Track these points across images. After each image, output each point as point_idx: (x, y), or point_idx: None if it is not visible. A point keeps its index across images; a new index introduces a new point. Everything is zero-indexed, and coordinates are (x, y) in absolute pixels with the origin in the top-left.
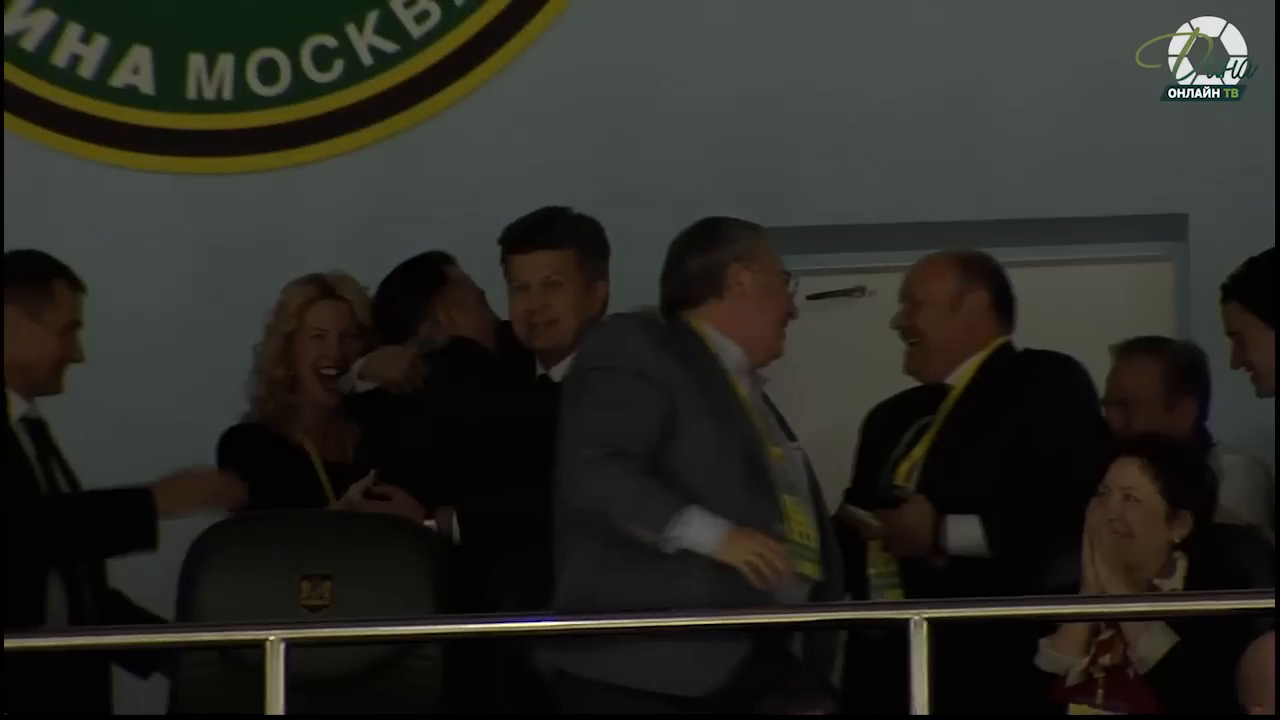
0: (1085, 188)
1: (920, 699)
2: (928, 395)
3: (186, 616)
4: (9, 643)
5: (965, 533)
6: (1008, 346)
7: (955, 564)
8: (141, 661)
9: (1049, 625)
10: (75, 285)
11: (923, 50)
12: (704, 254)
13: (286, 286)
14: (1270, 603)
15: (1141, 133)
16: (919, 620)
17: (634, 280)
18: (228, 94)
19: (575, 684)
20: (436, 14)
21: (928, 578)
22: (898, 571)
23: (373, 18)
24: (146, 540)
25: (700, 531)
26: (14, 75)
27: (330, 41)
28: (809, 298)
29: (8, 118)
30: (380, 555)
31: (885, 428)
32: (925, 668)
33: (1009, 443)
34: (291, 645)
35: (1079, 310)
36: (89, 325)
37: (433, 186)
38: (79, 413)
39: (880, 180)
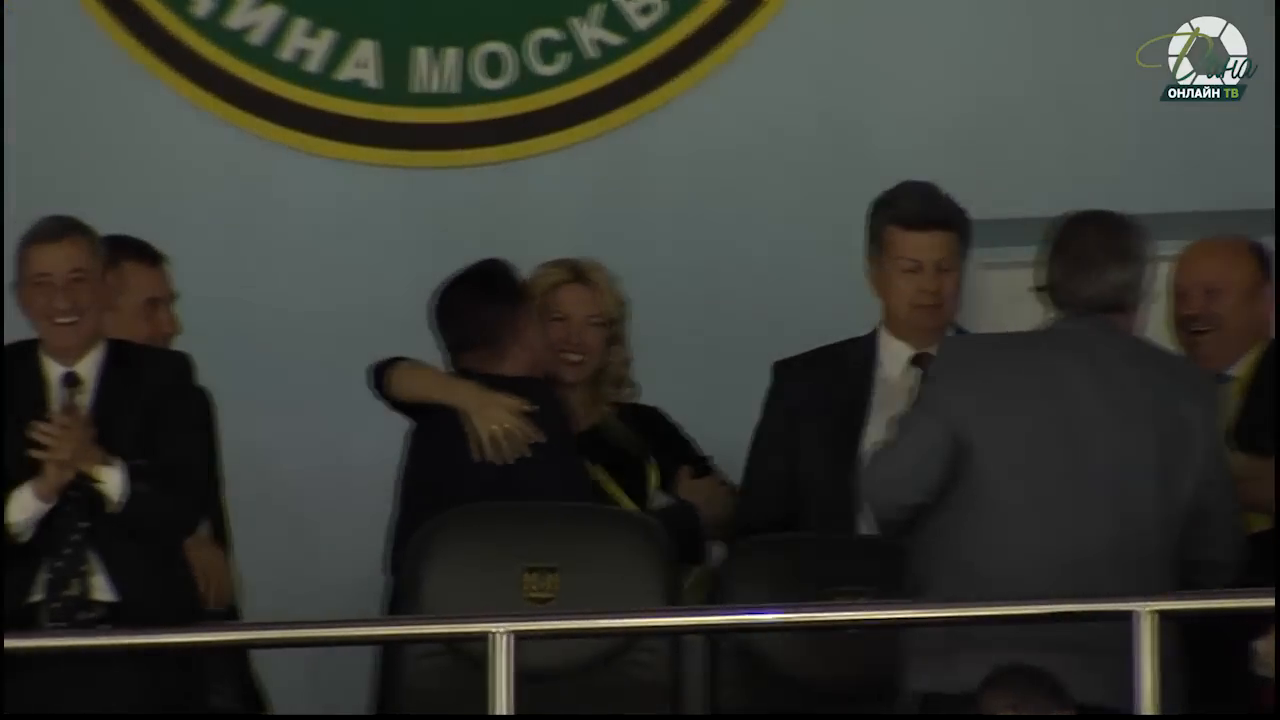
0: None
1: (1146, 695)
2: None
3: (411, 609)
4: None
5: None
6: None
7: None
8: None
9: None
10: (151, 260)
11: (1128, 44)
12: (1138, 263)
13: (538, 267)
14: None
15: None
16: (1145, 613)
17: (857, 274)
18: (453, 87)
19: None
20: (661, 7)
21: None
22: None
23: (598, 10)
24: None
25: None
26: (241, 70)
27: (555, 34)
28: (1031, 289)
29: (238, 112)
30: (606, 547)
31: None
32: (1152, 663)
33: None
34: (517, 638)
35: None
36: (319, 319)
37: (656, 179)
38: (313, 404)
39: (1098, 173)
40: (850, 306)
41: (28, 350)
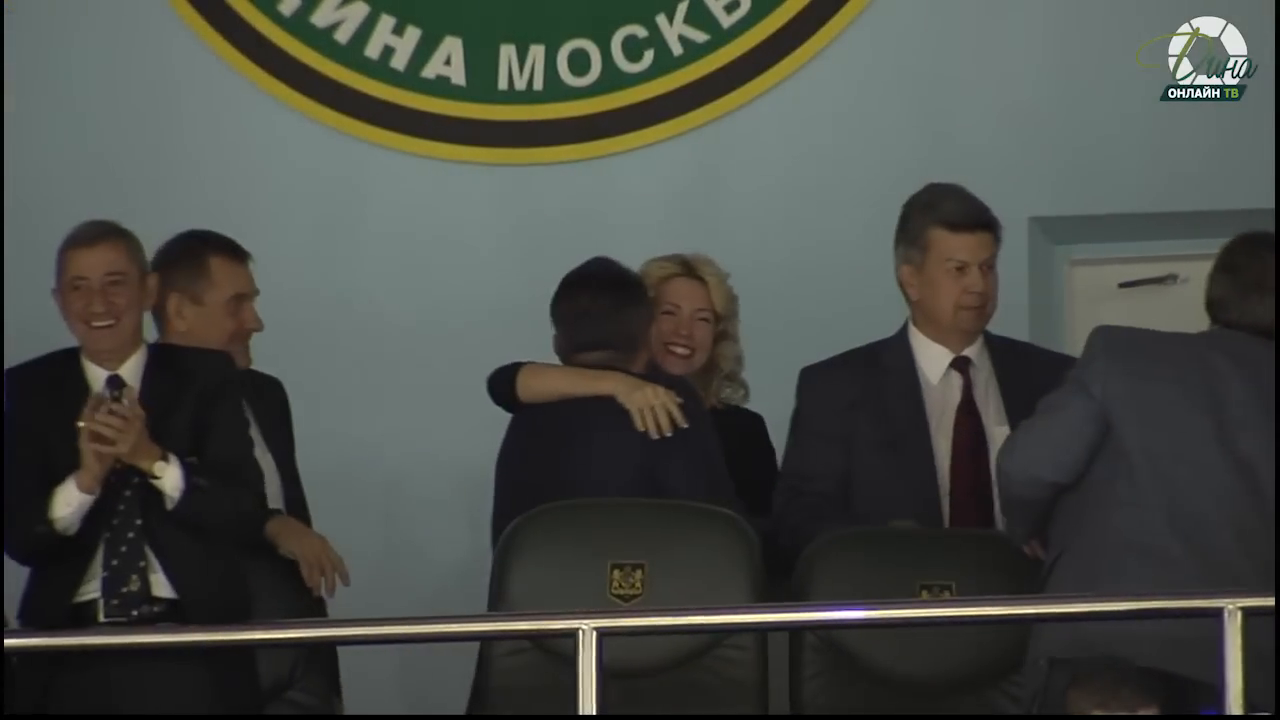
0: None
1: (1234, 693)
2: None
3: (498, 606)
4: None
5: None
6: None
7: None
8: None
9: None
10: (236, 257)
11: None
12: None
13: (648, 261)
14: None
15: None
16: (1233, 610)
17: None
18: (538, 85)
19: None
20: (746, 4)
21: None
22: None
23: (683, 8)
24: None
25: None
26: (327, 67)
27: (641, 31)
28: (1121, 285)
29: (323, 109)
30: (694, 544)
31: None
32: (1239, 661)
33: None
34: (604, 635)
35: None
36: (406, 315)
37: (742, 175)
38: (399, 397)
39: (1192, 167)
40: None
41: (69, 358)
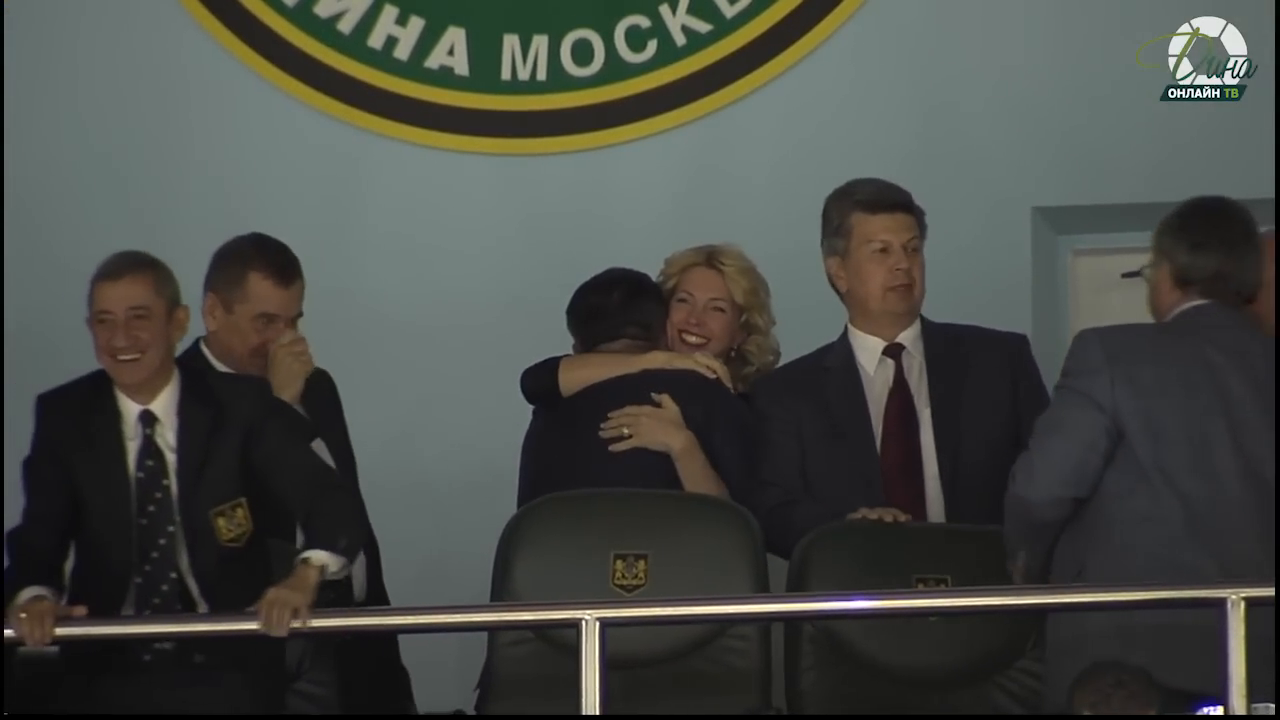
0: None
1: (1237, 684)
2: None
3: (501, 596)
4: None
5: None
6: None
7: None
8: None
9: None
10: (279, 279)
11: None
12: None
13: (678, 251)
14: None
15: None
16: (1236, 600)
17: (946, 262)
18: (542, 75)
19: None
20: None
21: None
22: None
23: None
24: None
25: None
26: (331, 58)
27: (644, 21)
28: (1124, 275)
29: (326, 100)
30: (696, 534)
31: None
32: (1242, 651)
33: None
34: (607, 625)
35: None
36: (408, 305)
37: (745, 165)
38: (402, 387)
39: (1195, 157)
40: (938, 293)
41: (105, 385)
